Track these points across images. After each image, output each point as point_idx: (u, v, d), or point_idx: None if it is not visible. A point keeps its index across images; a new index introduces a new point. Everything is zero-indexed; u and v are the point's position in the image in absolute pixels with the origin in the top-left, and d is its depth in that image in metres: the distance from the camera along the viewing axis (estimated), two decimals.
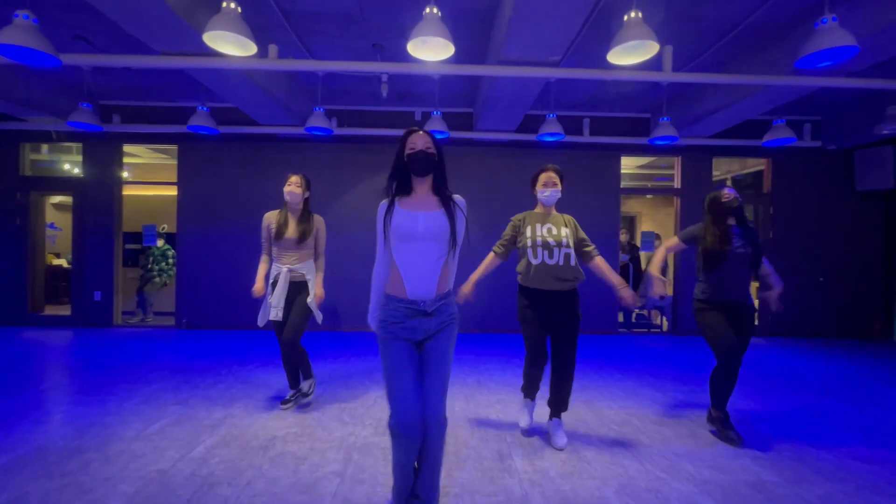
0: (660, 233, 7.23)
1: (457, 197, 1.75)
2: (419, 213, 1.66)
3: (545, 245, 2.48)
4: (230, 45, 2.81)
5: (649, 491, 2.01)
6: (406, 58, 3.81)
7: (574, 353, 2.53)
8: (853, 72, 3.74)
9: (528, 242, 2.52)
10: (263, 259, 2.98)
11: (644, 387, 3.64)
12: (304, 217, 2.92)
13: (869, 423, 2.90)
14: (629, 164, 7.35)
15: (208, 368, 3.93)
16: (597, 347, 5.13)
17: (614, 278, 2.49)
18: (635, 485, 2.07)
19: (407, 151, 1.67)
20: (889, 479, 2.17)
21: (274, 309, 2.84)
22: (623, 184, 6.10)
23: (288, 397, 3.02)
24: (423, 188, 1.72)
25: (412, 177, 1.70)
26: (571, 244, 2.52)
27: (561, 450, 2.44)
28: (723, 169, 7.33)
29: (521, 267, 2.58)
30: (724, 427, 2.59)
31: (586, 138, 5.61)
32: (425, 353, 1.68)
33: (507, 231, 2.64)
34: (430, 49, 2.83)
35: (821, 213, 6.02)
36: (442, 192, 1.72)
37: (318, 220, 3.01)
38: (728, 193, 2.67)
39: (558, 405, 2.59)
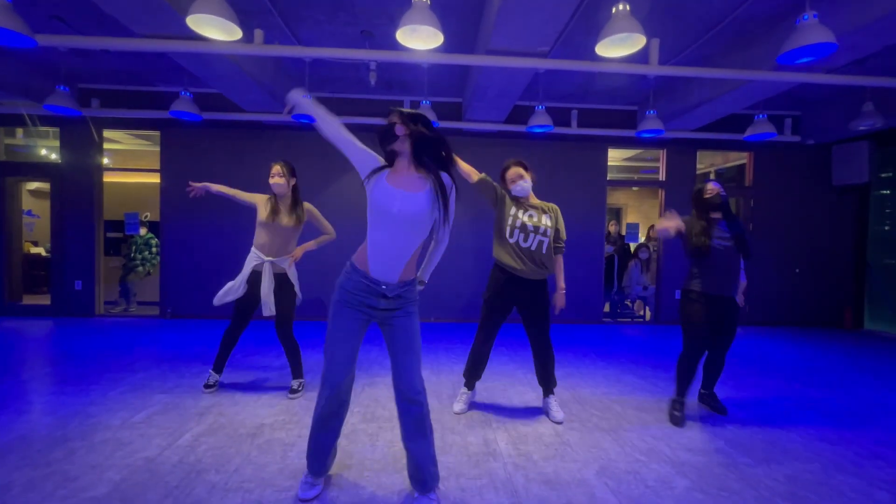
0: (647, 224, 7.34)
1: (444, 176, 1.70)
2: (398, 191, 1.60)
3: (523, 228, 2.58)
4: (214, 28, 2.76)
5: (628, 472, 2.09)
6: (395, 45, 3.78)
7: (547, 332, 2.68)
8: (832, 68, 3.83)
9: (509, 221, 2.61)
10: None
11: (626, 374, 3.74)
12: (296, 204, 2.93)
13: (835, 408, 3.04)
14: (615, 157, 7.44)
15: (195, 357, 3.91)
16: (581, 336, 5.23)
17: (560, 280, 2.70)
18: (615, 467, 2.15)
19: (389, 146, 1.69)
20: (852, 458, 2.29)
21: (265, 306, 2.83)
22: (609, 176, 6.17)
23: (210, 381, 3.02)
24: (403, 163, 1.67)
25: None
26: (550, 234, 2.61)
27: (560, 423, 2.64)
28: (706, 162, 7.47)
29: (495, 246, 2.69)
30: (673, 408, 2.74)
31: (574, 130, 5.65)
32: (392, 331, 1.70)
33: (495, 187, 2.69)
34: (419, 37, 2.82)
35: (799, 206, 6.19)
36: (428, 166, 1.65)
37: (310, 207, 3.02)
38: (711, 188, 2.68)
39: (548, 384, 2.76)
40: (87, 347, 4.21)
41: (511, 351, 4.39)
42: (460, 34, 3.91)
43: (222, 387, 3.14)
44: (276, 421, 2.58)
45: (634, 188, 9.14)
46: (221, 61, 3.72)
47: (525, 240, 2.57)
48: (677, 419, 2.67)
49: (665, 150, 6.12)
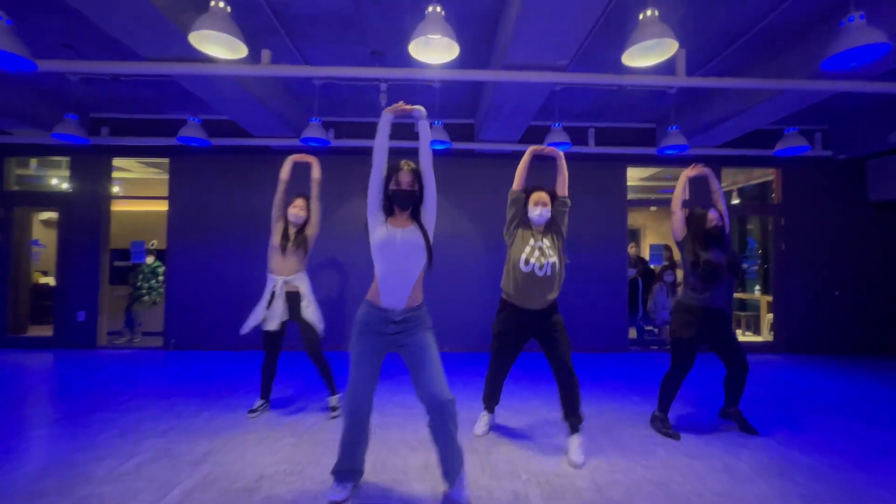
0: (667, 245, 7.01)
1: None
2: (398, 229, 1.93)
3: (542, 254, 2.53)
4: (218, 46, 2.63)
5: None
6: (406, 66, 3.65)
7: (569, 359, 2.51)
8: (870, 76, 3.59)
9: (525, 251, 2.53)
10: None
11: None
12: (303, 230, 3.22)
13: None
14: (633, 177, 7.19)
15: (194, 394, 3.64)
16: (609, 367, 4.86)
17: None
18: None
19: (392, 186, 1.95)
20: None
21: (272, 321, 3.03)
22: (628, 196, 5.91)
23: (255, 406, 3.15)
24: (402, 215, 1.99)
25: (393, 205, 1.97)
26: (556, 253, 2.54)
27: (578, 467, 2.38)
28: (728, 180, 7.18)
29: (505, 282, 2.61)
30: (665, 427, 2.84)
31: (591, 149, 5.44)
32: (408, 351, 1.94)
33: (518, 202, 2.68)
34: (434, 50, 2.66)
35: (833, 224, 5.83)
36: (416, 218, 2.00)
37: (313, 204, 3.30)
38: (713, 217, 2.85)
39: (574, 418, 2.53)
40: (81, 383, 3.97)
41: (534, 385, 4.05)
42: (473, 51, 3.77)
43: (220, 429, 2.87)
44: (278, 472, 2.29)
45: (652, 208, 8.85)
46: (229, 85, 3.62)
47: (541, 268, 2.50)
48: (674, 435, 2.77)
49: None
